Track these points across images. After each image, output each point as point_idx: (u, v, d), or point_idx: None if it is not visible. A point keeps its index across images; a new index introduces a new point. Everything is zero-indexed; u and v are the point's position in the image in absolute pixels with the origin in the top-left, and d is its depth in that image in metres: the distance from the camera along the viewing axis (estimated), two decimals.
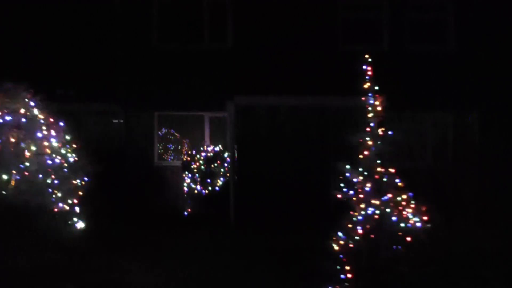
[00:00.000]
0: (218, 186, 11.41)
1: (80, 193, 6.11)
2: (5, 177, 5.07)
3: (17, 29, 11.51)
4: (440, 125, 12.03)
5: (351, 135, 11.39)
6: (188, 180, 11.55)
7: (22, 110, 5.63)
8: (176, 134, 12.63)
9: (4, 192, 5.03)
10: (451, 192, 11.26)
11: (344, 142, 11.61)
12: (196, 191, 11.45)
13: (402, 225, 5.86)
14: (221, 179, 11.45)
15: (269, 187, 10.86)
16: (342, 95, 10.97)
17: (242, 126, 10.86)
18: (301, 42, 12.08)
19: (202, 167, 11.46)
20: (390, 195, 5.91)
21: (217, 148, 11.70)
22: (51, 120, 5.73)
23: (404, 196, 5.83)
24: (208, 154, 11.53)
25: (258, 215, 10.47)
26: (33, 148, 5.32)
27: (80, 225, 5.77)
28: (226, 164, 11.47)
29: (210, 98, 12.03)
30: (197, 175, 11.44)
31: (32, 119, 5.50)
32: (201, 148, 11.67)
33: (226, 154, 11.56)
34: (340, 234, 6.73)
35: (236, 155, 10.97)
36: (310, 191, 10.88)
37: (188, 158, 11.57)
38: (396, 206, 5.92)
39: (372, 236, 6.08)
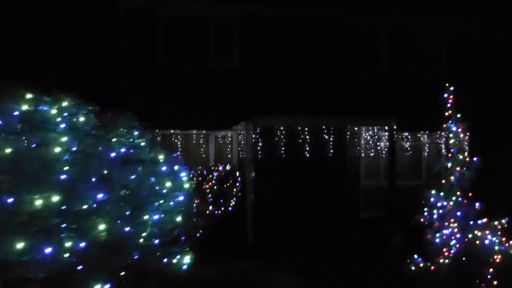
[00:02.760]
0: (231, 207, 11.21)
1: None
2: (145, 217, 4.69)
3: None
4: (435, 143, 12.75)
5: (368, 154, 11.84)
6: (197, 200, 11.19)
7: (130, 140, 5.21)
8: (180, 153, 12.22)
9: (143, 235, 4.64)
10: None
11: (359, 162, 12.13)
12: (207, 212, 11.15)
13: (497, 248, 6.18)
14: (234, 199, 11.27)
15: (288, 208, 10.91)
16: (345, 117, 11.40)
17: (260, 145, 10.82)
18: (306, 63, 12.26)
19: (215, 187, 11.20)
20: (485, 220, 6.23)
21: (228, 168, 11.50)
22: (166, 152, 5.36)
23: (503, 221, 6.17)
24: (221, 174, 11.30)
25: (276, 237, 10.45)
26: (168, 184, 4.96)
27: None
28: (238, 184, 11.31)
29: (216, 117, 11.82)
30: (209, 195, 11.16)
31: (150, 151, 5.10)
32: (212, 168, 11.41)
33: (237, 174, 11.40)
34: (416, 257, 7.02)
35: (253, 175, 10.89)
36: (328, 211, 11.07)
37: (200, 178, 11.25)
38: (488, 230, 6.26)
39: (463, 258, 6.38)
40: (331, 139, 11.23)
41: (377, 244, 10.56)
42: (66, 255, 4.13)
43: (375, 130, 12.07)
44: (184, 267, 5.13)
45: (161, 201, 4.88)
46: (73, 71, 10.91)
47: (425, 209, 6.66)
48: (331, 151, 11.22)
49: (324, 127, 11.16)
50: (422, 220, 6.66)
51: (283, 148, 10.93)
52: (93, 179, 4.40)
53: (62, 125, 4.74)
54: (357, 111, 11.48)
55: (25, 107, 4.67)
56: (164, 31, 11.79)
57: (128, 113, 5.44)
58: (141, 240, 4.73)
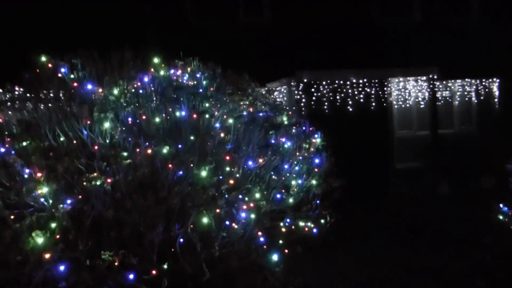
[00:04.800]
0: None
1: None
2: (293, 182, 4.52)
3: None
4: (464, 91, 12.79)
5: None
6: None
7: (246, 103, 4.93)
8: None
9: (290, 201, 4.49)
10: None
11: (393, 112, 12.02)
12: None
13: None
14: None
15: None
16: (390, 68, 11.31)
17: (304, 101, 10.63)
18: (338, 15, 11.91)
19: None
20: None
21: None
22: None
23: None
24: None
25: None
26: (306, 146, 4.77)
27: None
28: None
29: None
30: None
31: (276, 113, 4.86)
32: None
33: None
34: (501, 206, 7.11)
35: None
36: (373, 165, 11.07)
37: None
38: None
39: None
40: (371, 91, 11.08)
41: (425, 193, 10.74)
42: (236, 226, 3.94)
43: (409, 80, 11.99)
44: (315, 230, 5.01)
45: (301, 165, 4.70)
46: (100, 30, 10.26)
47: None
48: (372, 104, 11.11)
49: (365, 80, 10.99)
50: None
51: (326, 103, 10.76)
52: (250, 146, 4.17)
53: (200, 90, 4.45)
54: (396, 62, 11.35)
55: (161, 73, 4.36)
56: None
57: (245, 73, 5.15)
58: (289, 206, 4.57)
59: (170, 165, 3.72)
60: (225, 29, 11.44)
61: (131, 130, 3.87)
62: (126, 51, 4.31)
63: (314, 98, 10.70)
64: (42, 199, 3.50)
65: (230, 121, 4.41)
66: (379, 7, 12.22)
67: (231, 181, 3.85)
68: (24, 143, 3.56)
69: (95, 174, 3.69)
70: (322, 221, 4.97)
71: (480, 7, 12.66)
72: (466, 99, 12.75)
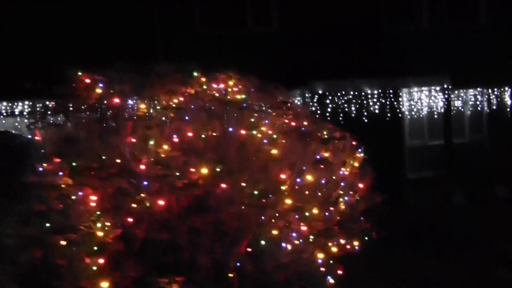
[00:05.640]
0: None
1: None
2: (340, 199, 4.34)
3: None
4: (475, 99, 12.66)
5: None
6: None
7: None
8: None
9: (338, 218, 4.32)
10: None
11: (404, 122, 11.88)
12: None
13: None
14: None
15: None
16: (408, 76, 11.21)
17: (318, 112, 10.51)
18: (347, 24, 11.79)
19: None
20: None
21: None
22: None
23: None
24: None
25: None
26: (350, 161, 4.60)
27: None
28: None
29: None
30: None
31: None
32: None
33: None
34: None
35: None
36: (385, 175, 10.92)
37: None
38: None
39: None
40: (386, 102, 10.98)
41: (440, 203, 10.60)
42: (290, 248, 3.76)
43: (422, 90, 11.87)
44: (357, 247, 4.82)
45: (347, 181, 4.53)
46: (108, 40, 10.12)
47: None
48: (386, 114, 11.01)
49: (380, 90, 10.90)
50: None
51: (340, 114, 10.63)
52: (300, 163, 4.00)
53: (244, 105, 4.28)
54: (407, 70, 11.25)
55: (204, 87, 4.18)
56: None
57: (280, 86, 4.99)
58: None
59: (223, 185, 3.53)
60: (233, 38, 11.30)
61: (179, 147, 3.68)
62: (163, 65, 4.12)
63: (328, 109, 10.57)
64: (92, 223, 3.29)
65: (275, 136, 4.24)
66: (388, 15, 12.11)
67: (288, 201, 3.67)
68: (74, 163, 3.37)
69: (143, 195, 3.49)
70: (366, 238, 4.79)
71: (487, 10, 12.52)
72: (479, 108, 12.63)
